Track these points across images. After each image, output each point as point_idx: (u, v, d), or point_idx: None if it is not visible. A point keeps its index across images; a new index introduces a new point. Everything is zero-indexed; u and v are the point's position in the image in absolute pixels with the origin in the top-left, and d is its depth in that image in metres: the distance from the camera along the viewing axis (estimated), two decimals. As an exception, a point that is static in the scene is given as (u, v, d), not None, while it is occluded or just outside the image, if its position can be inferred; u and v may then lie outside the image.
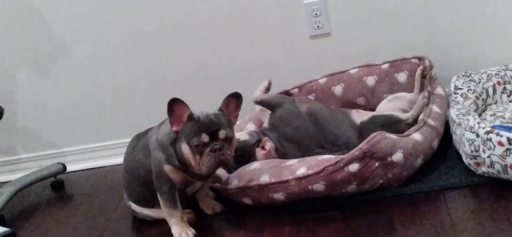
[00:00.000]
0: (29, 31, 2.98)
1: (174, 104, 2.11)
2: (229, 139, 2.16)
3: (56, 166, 2.94)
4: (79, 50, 2.98)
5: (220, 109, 2.18)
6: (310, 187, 2.19)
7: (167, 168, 2.20)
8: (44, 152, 3.14)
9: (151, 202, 2.34)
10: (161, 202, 2.26)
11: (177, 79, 2.97)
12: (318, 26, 2.83)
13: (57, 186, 2.93)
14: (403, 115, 2.38)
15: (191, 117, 2.13)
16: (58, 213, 2.69)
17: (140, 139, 2.35)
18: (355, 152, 2.16)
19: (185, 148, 2.13)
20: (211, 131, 2.12)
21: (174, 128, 2.14)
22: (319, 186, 2.18)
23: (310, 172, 2.19)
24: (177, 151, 2.16)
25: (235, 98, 2.20)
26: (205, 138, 2.11)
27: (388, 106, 2.52)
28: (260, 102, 2.58)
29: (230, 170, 2.38)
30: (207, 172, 2.16)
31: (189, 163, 2.16)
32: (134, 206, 2.41)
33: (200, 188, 2.37)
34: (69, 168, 3.02)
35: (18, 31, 2.98)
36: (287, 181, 2.22)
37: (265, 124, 2.53)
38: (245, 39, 2.89)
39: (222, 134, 2.13)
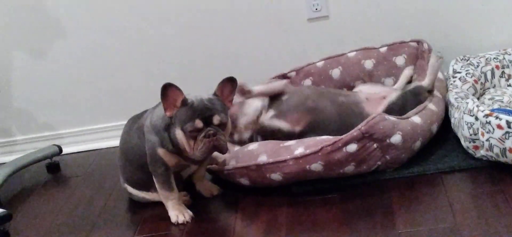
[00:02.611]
0: (26, 12, 2.95)
1: (168, 89, 2.09)
2: (223, 124, 2.14)
3: (52, 148, 2.93)
4: (75, 31, 2.96)
5: (215, 94, 2.16)
6: (307, 166, 2.18)
7: (160, 151, 2.19)
8: (40, 134, 3.12)
9: (147, 185, 2.33)
10: (156, 185, 2.25)
11: (174, 62, 2.95)
12: (316, 9, 2.82)
13: (52, 168, 2.91)
14: (424, 83, 2.38)
15: (185, 102, 2.11)
16: (54, 195, 2.67)
17: (135, 121, 2.34)
18: (353, 132, 2.16)
19: (179, 133, 2.12)
20: (205, 116, 2.10)
21: (168, 113, 2.13)
22: (316, 166, 2.17)
23: (308, 151, 2.18)
24: (171, 135, 2.15)
25: (230, 83, 2.17)
26: (199, 123, 2.09)
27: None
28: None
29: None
30: (200, 158, 2.15)
31: (183, 147, 2.14)
32: (130, 189, 2.40)
33: (196, 170, 2.36)
34: (65, 150, 3.01)
35: (14, 12, 2.96)
36: (284, 161, 2.21)
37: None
38: (243, 22, 2.87)
39: (216, 119, 2.11)
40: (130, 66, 2.98)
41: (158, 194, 2.28)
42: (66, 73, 3.02)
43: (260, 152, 2.27)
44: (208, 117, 2.11)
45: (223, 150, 2.16)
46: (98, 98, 3.04)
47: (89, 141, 3.08)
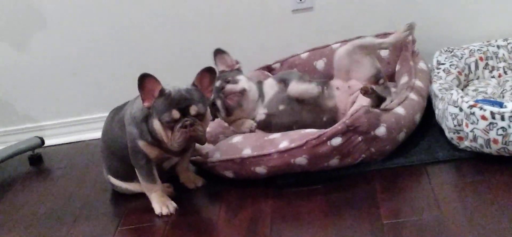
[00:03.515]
0: (7, 3, 2.92)
1: (145, 80, 2.07)
2: (201, 115, 2.12)
3: (34, 140, 2.90)
4: (58, 23, 2.93)
5: (193, 85, 2.14)
6: (292, 160, 2.17)
7: (141, 143, 2.17)
8: (22, 126, 3.09)
9: (130, 176, 2.31)
10: (139, 177, 2.24)
11: (157, 53, 2.93)
12: (300, 0, 2.81)
13: (35, 160, 2.89)
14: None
15: (162, 92, 2.09)
16: (36, 187, 2.65)
17: (117, 113, 2.32)
18: (338, 125, 2.15)
19: (156, 124, 2.11)
20: (181, 106, 2.09)
21: (146, 104, 2.11)
22: (301, 160, 2.17)
23: (292, 145, 2.17)
24: (149, 127, 2.13)
25: (208, 73, 2.16)
26: (175, 114, 2.08)
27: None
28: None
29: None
30: (178, 148, 2.13)
31: (161, 138, 2.13)
32: (113, 180, 2.39)
33: (179, 162, 2.34)
34: (47, 142, 2.98)
35: (-5, 2, 2.93)
36: (269, 154, 2.20)
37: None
38: (227, 13, 2.86)
39: (193, 109, 2.10)
40: (112, 58, 2.96)
41: (141, 185, 2.26)
42: (48, 65, 2.99)
43: (245, 145, 2.26)
44: (185, 108, 2.09)
45: (201, 141, 2.15)
46: (81, 90, 3.02)
47: (72, 132, 3.06)
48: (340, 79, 2.45)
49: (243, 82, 2.42)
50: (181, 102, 2.09)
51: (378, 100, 2.28)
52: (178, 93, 2.10)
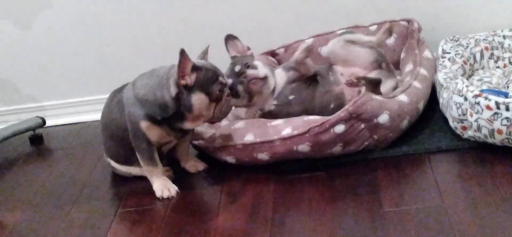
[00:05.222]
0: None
1: (183, 56, 2.06)
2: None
3: (35, 120, 2.89)
4: (61, 2, 2.91)
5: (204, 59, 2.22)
6: (295, 147, 2.16)
7: (143, 124, 2.16)
8: (23, 105, 3.08)
9: (129, 160, 2.30)
10: (140, 160, 2.23)
11: (161, 35, 2.91)
12: (305, -15, 2.79)
13: (35, 140, 2.88)
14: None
15: (197, 68, 2.10)
16: (37, 168, 2.64)
17: (115, 95, 2.31)
18: (341, 113, 2.14)
19: (199, 98, 2.10)
20: (221, 75, 2.16)
21: (183, 81, 2.09)
22: (304, 147, 2.16)
23: (295, 132, 2.16)
24: (185, 103, 2.10)
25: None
26: (223, 80, 2.14)
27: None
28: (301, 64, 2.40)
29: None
30: (224, 117, 2.21)
31: (197, 113, 2.12)
32: (113, 163, 2.38)
33: (179, 146, 2.34)
34: (49, 123, 2.97)
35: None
36: (271, 141, 2.19)
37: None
38: (232, -3, 2.85)
39: (225, 79, 2.19)
40: (116, 39, 2.95)
41: (141, 169, 2.26)
42: (51, 44, 2.98)
43: (247, 131, 2.25)
44: (223, 76, 2.17)
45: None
46: (83, 70, 3.01)
47: (73, 113, 3.05)
48: (341, 66, 2.43)
49: (262, 68, 2.39)
50: (218, 72, 2.15)
51: (372, 86, 2.27)
52: (210, 64, 2.16)
